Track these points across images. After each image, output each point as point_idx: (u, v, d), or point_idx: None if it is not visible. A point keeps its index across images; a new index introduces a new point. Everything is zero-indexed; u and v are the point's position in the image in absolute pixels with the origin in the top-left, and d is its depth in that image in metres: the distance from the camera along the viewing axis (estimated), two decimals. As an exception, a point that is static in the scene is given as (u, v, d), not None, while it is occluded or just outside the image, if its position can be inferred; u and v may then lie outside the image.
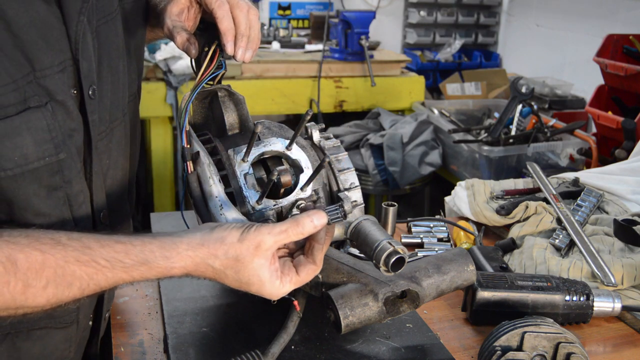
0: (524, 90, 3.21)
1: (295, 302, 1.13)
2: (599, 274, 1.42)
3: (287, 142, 1.24)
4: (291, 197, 1.18)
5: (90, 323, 1.21)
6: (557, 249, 1.56)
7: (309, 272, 1.00)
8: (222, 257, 0.95)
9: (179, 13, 1.18)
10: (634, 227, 1.52)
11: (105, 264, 0.92)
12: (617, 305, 1.32)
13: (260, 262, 0.96)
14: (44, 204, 0.99)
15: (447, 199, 1.91)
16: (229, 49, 1.11)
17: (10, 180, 0.94)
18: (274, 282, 0.97)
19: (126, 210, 1.26)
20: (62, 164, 0.99)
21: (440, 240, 1.68)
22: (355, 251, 1.28)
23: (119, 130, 1.16)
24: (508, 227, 1.72)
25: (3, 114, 0.90)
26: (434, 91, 4.43)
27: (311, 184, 1.20)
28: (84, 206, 1.07)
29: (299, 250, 1.05)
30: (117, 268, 0.93)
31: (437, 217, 1.83)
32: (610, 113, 3.06)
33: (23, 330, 1.07)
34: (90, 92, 1.03)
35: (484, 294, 1.28)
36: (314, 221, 0.97)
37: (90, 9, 1.02)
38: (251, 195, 1.17)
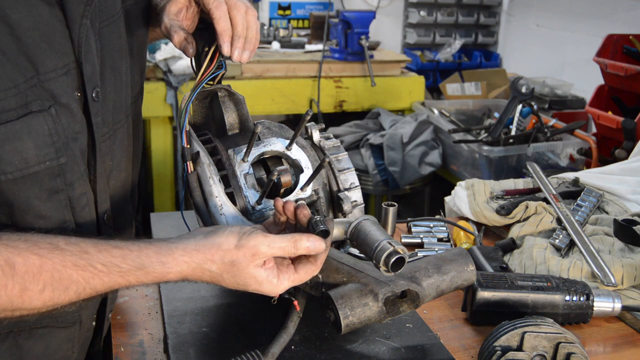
0: (524, 90, 3.21)
1: (295, 302, 1.13)
2: (599, 274, 1.42)
3: (287, 142, 1.24)
4: (291, 197, 1.18)
5: (94, 323, 1.21)
6: (557, 249, 1.56)
7: (308, 271, 1.01)
8: (219, 262, 0.96)
9: (177, 12, 1.18)
10: (634, 227, 1.52)
11: (102, 269, 0.92)
12: (617, 305, 1.32)
13: (256, 266, 0.97)
14: (44, 207, 1.00)
15: (447, 199, 1.91)
16: (226, 50, 1.11)
17: (10, 184, 0.94)
18: (271, 280, 0.98)
19: (129, 211, 1.27)
20: (64, 167, 0.99)
21: (440, 240, 1.68)
22: (355, 251, 1.28)
23: (121, 131, 1.16)
24: (508, 227, 1.72)
25: (4, 118, 0.90)
26: (434, 91, 4.43)
27: (311, 184, 1.20)
28: (88, 208, 1.07)
29: None
30: (114, 273, 0.93)
31: (437, 217, 1.83)
32: (610, 113, 3.06)
33: (25, 329, 1.07)
34: (93, 95, 1.03)
35: (484, 294, 1.28)
36: (310, 246, 0.99)
37: (93, 12, 1.02)
38: (251, 195, 1.17)
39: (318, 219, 1.03)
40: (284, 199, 1.08)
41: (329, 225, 1.03)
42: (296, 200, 1.16)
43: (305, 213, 1.03)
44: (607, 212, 1.75)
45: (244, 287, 0.99)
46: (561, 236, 1.58)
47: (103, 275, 0.93)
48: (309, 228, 1.03)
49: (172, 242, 0.97)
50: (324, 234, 1.01)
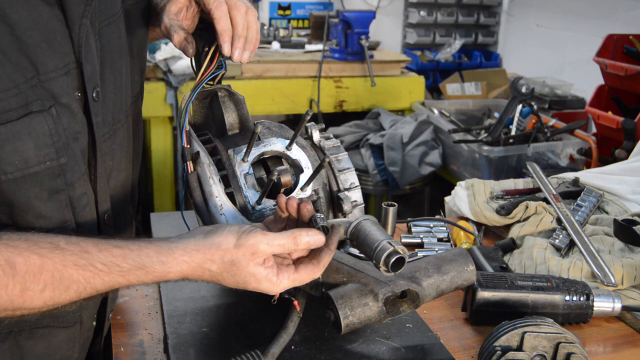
0: (524, 90, 3.21)
1: (295, 302, 1.13)
2: (599, 274, 1.42)
3: (287, 142, 1.24)
4: (291, 197, 1.18)
5: (94, 323, 1.21)
6: (557, 249, 1.56)
7: (309, 272, 1.01)
8: (219, 262, 0.96)
9: (177, 12, 1.18)
10: (634, 227, 1.52)
11: (102, 268, 0.92)
12: (617, 305, 1.32)
13: (256, 265, 0.97)
14: (45, 207, 1.00)
15: (447, 199, 1.91)
16: (226, 50, 1.11)
17: (10, 184, 0.94)
18: (270, 278, 0.98)
19: (129, 211, 1.27)
20: (64, 167, 0.99)
21: (440, 240, 1.68)
22: (355, 251, 1.28)
23: (121, 131, 1.16)
24: (508, 227, 1.72)
25: (4, 118, 0.90)
26: (434, 91, 4.43)
27: (311, 184, 1.20)
28: (88, 208, 1.07)
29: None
30: (114, 272, 0.93)
31: (437, 217, 1.83)
32: (610, 113, 3.06)
33: (26, 329, 1.07)
34: (94, 95, 1.03)
35: (484, 294, 1.28)
36: (310, 241, 0.99)
37: (93, 12, 1.02)
38: (251, 195, 1.17)
39: (319, 216, 1.03)
40: (287, 196, 1.08)
41: (334, 230, 1.03)
42: (297, 200, 1.16)
43: (308, 208, 1.03)
44: (607, 212, 1.75)
45: (243, 286, 0.99)
46: (561, 236, 1.58)
47: (103, 274, 0.93)
48: (310, 225, 1.03)
49: (172, 242, 0.97)
50: (324, 230, 1.01)
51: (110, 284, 0.94)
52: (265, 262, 0.98)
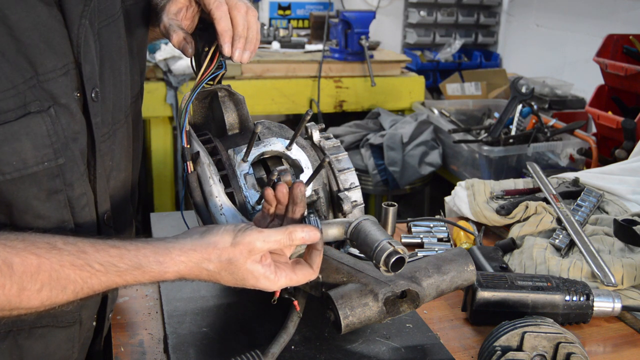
0: (524, 90, 3.21)
1: (295, 302, 1.13)
2: (599, 274, 1.42)
3: (287, 142, 1.24)
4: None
5: (94, 323, 1.21)
6: (557, 249, 1.56)
7: (306, 274, 1.02)
8: (216, 261, 0.96)
9: (177, 12, 1.18)
10: (634, 227, 1.52)
11: (99, 268, 0.93)
12: (617, 305, 1.32)
13: (253, 262, 0.98)
14: (43, 207, 1.00)
15: (447, 199, 1.91)
16: (226, 50, 1.11)
17: (9, 184, 0.94)
18: (268, 276, 0.99)
19: (129, 212, 1.27)
20: (63, 167, 0.99)
21: (440, 240, 1.68)
22: (355, 251, 1.28)
23: (121, 131, 1.16)
24: (508, 227, 1.72)
25: (2, 119, 0.90)
26: (434, 91, 4.42)
27: (311, 184, 1.20)
28: (88, 209, 1.07)
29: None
30: (111, 272, 0.93)
31: (437, 217, 1.83)
32: (610, 113, 3.06)
33: (25, 328, 1.07)
34: (93, 95, 1.03)
35: (484, 294, 1.28)
36: (305, 236, 0.99)
37: (92, 12, 1.02)
38: (251, 195, 1.17)
39: (312, 217, 1.03)
40: (278, 184, 1.07)
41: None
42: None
43: (301, 189, 1.03)
44: (607, 212, 1.75)
45: (242, 284, 0.99)
46: (561, 236, 1.58)
47: (100, 274, 0.93)
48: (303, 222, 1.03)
49: (169, 242, 0.98)
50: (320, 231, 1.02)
51: (107, 284, 0.94)
52: (262, 259, 0.98)
